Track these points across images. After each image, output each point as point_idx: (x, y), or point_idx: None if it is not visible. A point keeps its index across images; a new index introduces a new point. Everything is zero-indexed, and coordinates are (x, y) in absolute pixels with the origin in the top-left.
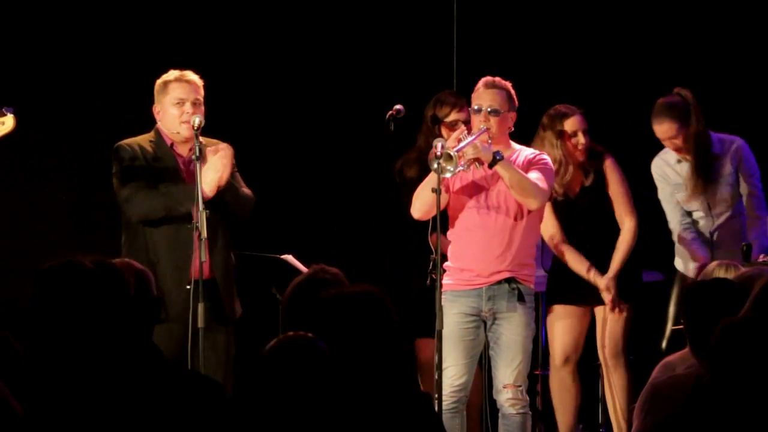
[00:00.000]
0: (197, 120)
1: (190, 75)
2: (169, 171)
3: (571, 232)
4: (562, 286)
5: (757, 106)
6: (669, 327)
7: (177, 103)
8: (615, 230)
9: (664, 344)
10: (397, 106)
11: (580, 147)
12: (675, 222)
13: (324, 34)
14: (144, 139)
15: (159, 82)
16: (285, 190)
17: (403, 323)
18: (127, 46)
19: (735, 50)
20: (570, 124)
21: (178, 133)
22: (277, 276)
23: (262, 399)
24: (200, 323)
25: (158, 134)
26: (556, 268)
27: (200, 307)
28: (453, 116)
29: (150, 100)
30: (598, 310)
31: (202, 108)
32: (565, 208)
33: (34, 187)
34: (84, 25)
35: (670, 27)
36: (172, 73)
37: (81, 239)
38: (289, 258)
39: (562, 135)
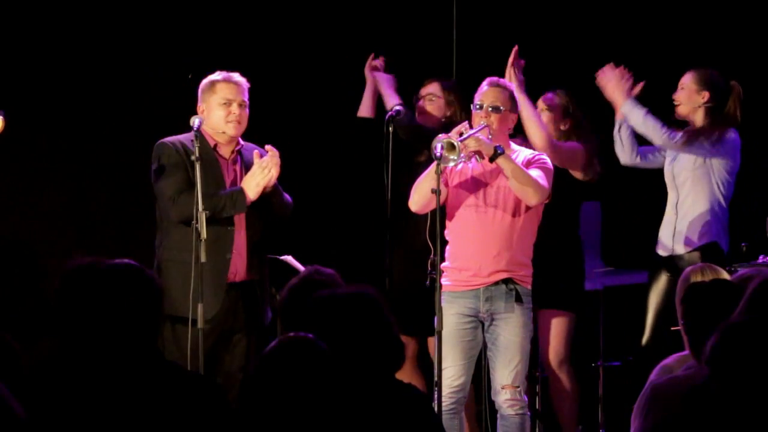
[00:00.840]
0: (197, 121)
1: (238, 76)
2: (211, 171)
3: None
4: None
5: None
6: (649, 320)
7: (224, 103)
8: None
9: (644, 341)
10: (396, 108)
11: None
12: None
13: (323, 34)
14: (186, 138)
15: (205, 81)
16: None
17: (397, 322)
18: (123, 47)
19: (737, 50)
20: (539, 102)
21: (224, 132)
22: (277, 277)
23: (263, 400)
24: (200, 324)
25: (199, 134)
26: None
27: (199, 307)
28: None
29: (147, 101)
30: (539, 314)
31: (247, 110)
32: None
33: (33, 188)
34: (80, 25)
35: (672, 27)
36: (220, 74)
37: (80, 240)
38: (289, 259)
39: None
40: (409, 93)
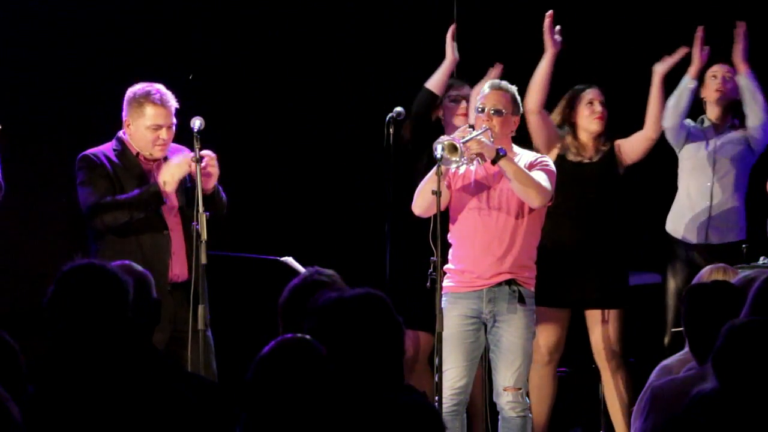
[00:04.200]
0: (198, 123)
1: (170, 99)
2: (137, 179)
3: (570, 196)
4: (544, 288)
5: None
6: (670, 319)
7: (153, 128)
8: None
9: (666, 340)
10: (397, 109)
11: (596, 115)
12: None
13: (324, 35)
14: (108, 148)
15: (134, 98)
16: (285, 192)
17: (404, 324)
18: (122, 47)
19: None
20: (589, 93)
21: (151, 154)
22: (277, 278)
23: (259, 401)
24: (200, 325)
25: (122, 143)
26: (540, 270)
27: (200, 309)
28: (453, 92)
29: None
30: (589, 314)
31: (173, 131)
32: (575, 168)
33: (32, 190)
34: (80, 26)
35: (675, 28)
36: (150, 94)
37: (77, 242)
38: (289, 260)
39: (575, 102)
40: (408, 93)
